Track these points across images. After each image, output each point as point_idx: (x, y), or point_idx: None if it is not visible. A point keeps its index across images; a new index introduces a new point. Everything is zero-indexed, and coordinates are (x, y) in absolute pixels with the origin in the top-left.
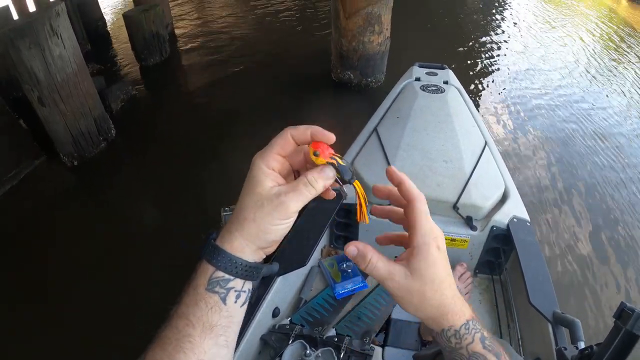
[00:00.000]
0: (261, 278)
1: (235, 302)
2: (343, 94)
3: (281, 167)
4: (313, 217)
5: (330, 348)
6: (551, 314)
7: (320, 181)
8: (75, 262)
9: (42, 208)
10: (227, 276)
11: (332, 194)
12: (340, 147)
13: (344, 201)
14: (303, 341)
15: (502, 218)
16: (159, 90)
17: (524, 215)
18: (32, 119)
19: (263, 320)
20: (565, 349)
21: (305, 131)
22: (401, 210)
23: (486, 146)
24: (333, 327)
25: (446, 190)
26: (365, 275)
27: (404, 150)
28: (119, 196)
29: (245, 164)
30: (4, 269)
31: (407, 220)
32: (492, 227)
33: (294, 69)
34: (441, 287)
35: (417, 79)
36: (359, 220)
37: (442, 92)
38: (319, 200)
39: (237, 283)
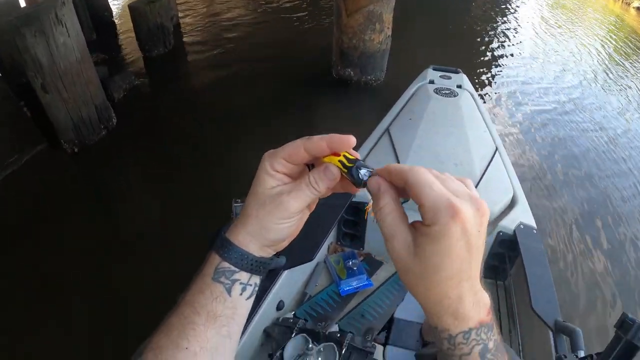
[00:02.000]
0: (267, 271)
1: (241, 294)
2: (343, 91)
3: (289, 171)
4: (321, 213)
5: (332, 343)
6: (553, 321)
7: (322, 183)
8: (72, 249)
9: (41, 192)
10: (232, 268)
11: (355, 190)
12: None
13: (354, 199)
14: (306, 335)
15: (509, 224)
16: (161, 81)
17: (531, 222)
18: (35, 105)
19: (267, 312)
20: (565, 357)
21: (319, 142)
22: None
23: (496, 152)
24: (336, 323)
25: None
26: (370, 274)
27: (415, 151)
28: (117, 183)
29: (245, 155)
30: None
31: (410, 196)
32: (499, 232)
33: (296, 64)
34: (447, 284)
35: (431, 82)
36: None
37: (455, 95)
38: (329, 196)
39: (243, 276)
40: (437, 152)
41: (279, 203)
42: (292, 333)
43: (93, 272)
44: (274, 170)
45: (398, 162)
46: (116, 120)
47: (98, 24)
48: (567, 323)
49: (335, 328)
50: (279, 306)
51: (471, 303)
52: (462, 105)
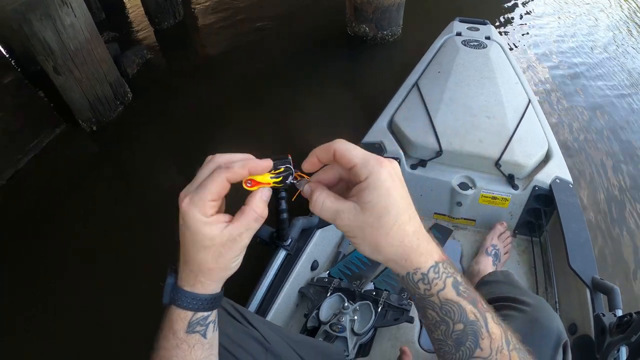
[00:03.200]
0: (301, 231)
1: (214, 331)
2: (359, 48)
3: (219, 207)
4: None
5: (368, 302)
6: (590, 279)
7: (265, 208)
8: (96, 227)
9: (64, 173)
10: (206, 313)
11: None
12: (372, 101)
13: (384, 155)
14: (341, 294)
15: (544, 178)
16: (174, 52)
17: (567, 176)
18: (50, 89)
19: (302, 273)
20: (604, 315)
21: (241, 172)
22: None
23: (530, 104)
24: (371, 282)
25: (488, 147)
26: None
27: (445, 104)
28: (138, 157)
29: (265, 123)
30: (31, 235)
31: (342, 166)
32: (534, 186)
33: (311, 24)
34: (400, 221)
35: (458, 34)
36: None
37: (484, 47)
38: None
39: (213, 314)
40: (469, 105)
41: (235, 246)
42: (328, 292)
43: (120, 246)
44: (208, 216)
45: (429, 115)
46: (132, 95)
47: (106, 3)
48: (605, 281)
49: (370, 286)
50: (313, 266)
51: (426, 239)
52: (491, 56)
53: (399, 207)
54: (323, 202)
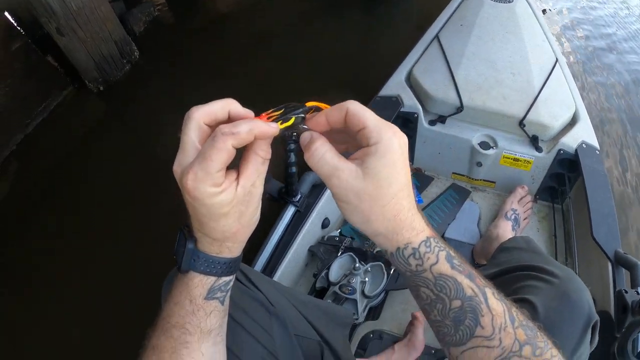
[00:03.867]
0: (311, 186)
1: (228, 297)
2: (370, 4)
3: (227, 162)
4: None
5: (380, 263)
6: (613, 252)
7: (267, 147)
8: (105, 188)
9: (72, 135)
10: (229, 278)
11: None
12: (389, 55)
13: (402, 109)
14: (352, 254)
15: (570, 142)
16: (182, 9)
17: (594, 142)
18: (57, 52)
19: (312, 230)
20: (626, 292)
21: (247, 138)
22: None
23: (557, 63)
24: None
25: (512, 105)
26: (420, 190)
27: (468, 59)
28: (146, 115)
29: (276, 77)
30: (40, 200)
31: (353, 130)
32: (559, 150)
33: None
34: (399, 195)
35: None
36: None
37: (509, 1)
38: (376, 107)
39: (233, 278)
40: (492, 60)
41: (252, 199)
42: (338, 252)
43: (129, 205)
44: (220, 185)
45: (450, 69)
46: (139, 54)
47: None
48: (629, 255)
49: None
50: (324, 224)
51: (420, 215)
52: (518, 11)
53: (401, 181)
54: (323, 154)
